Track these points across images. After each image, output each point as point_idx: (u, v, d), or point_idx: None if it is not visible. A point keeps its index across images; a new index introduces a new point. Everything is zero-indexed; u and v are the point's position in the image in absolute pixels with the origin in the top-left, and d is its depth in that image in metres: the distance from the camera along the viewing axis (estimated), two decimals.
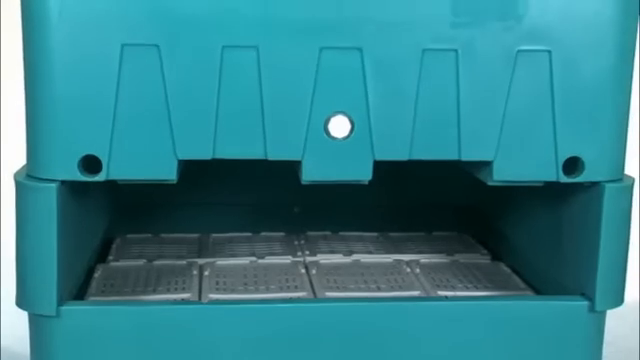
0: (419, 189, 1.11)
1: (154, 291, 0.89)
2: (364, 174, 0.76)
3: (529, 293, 0.92)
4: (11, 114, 1.36)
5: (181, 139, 0.73)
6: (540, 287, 0.92)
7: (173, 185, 0.76)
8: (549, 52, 0.75)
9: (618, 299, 0.81)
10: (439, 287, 0.93)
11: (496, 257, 1.04)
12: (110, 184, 0.76)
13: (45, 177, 0.73)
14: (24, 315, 0.77)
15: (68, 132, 0.72)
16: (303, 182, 0.76)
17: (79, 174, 0.73)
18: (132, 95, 0.72)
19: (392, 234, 1.12)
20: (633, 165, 1.36)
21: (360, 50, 0.73)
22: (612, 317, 0.83)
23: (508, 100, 0.75)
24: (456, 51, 0.74)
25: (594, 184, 0.78)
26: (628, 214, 0.79)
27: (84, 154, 0.73)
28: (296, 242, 1.08)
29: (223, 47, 0.72)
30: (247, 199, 1.12)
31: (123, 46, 0.71)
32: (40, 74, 0.72)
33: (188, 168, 0.78)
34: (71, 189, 0.76)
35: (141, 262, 0.99)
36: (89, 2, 0.71)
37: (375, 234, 1.11)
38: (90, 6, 0.71)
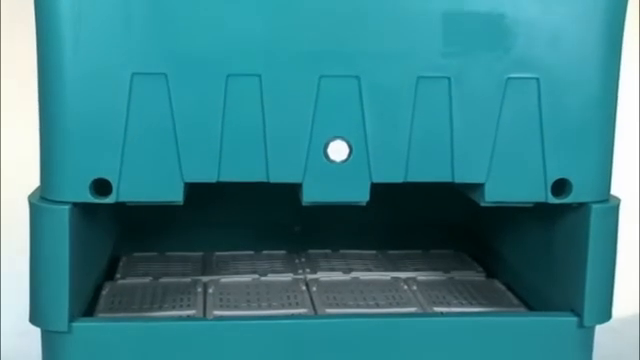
0: (416, 209, 1.14)
1: (160, 308, 0.93)
2: (362, 196, 0.80)
3: (522, 309, 0.95)
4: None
5: (187, 163, 0.77)
6: (533, 303, 0.95)
7: (178, 206, 0.80)
8: (537, 80, 0.78)
9: (606, 315, 0.84)
10: (435, 303, 0.96)
11: (491, 274, 1.07)
12: (117, 205, 0.80)
13: (58, 199, 0.77)
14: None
15: (80, 156, 0.76)
16: (304, 203, 0.80)
17: (90, 196, 0.77)
18: (141, 121, 0.76)
19: (390, 252, 1.15)
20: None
21: (357, 78, 0.77)
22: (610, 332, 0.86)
23: (498, 125, 0.79)
24: (449, 79, 0.78)
25: (581, 205, 0.82)
26: (614, 233, 0.83)
27: (95, 177, 0.76)
28: (297, 260, 1.11)
29: (227, 76, 0.76)
30: (249, 219, 1.15)
31: (133, 75, 0.75)
32: (53, 100, 0.76)
33: (193, 189, 0.82)
34: (82, 210, 0.80)
35: (147, 280, 1.03)
36: (102, 33, 0.74)
37: (374, 252, 1.14)
38: (102, 36, 0.75)
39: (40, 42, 0.76)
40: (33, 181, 0.80)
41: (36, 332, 0.80)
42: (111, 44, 0.75)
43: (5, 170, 1.34)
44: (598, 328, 0.84)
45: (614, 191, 0.84)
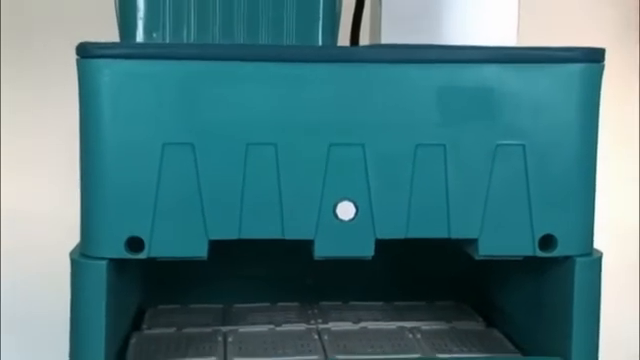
0: (420, 263, 1.21)
1: (184, 356, 0.99)
2: (367, 251, 0.88)
3: (518, 356, 1.02)
4: None
5: (212, 222, 0.86)
6: (529, 351, 1.02)
7: (201, 261, 0.88)
8: (523, 146, 0.87)
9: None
10: (438, 351, 1.03)
11: (491, 324, 1.14)
12: (146, 261, 0.88)
13: (96, 255, 0.86)
14: None
15: (116, 217, 0.85)
16: (315, 258, 0.88)
17: (125, 253, 0.85)
18: (171, 185, 0.85)
19: (396, 303, 1.21)
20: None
21: (363, 146, 0.86)
22: None
23: (489, 186, 0.87)
24: (444, 146, 0.87)
25: (567, 258, 0.90)
26: (598, 284, 0.91)
27: (129, 235, 0.85)
28: (310, 311, 1.17)
29: (247, 144, 0.85)
30: (265, 273, 1.21)
31: (164, 145, 0.85)
32: (93, 167, 0.85)
33: (215, 245, 0.90)
34: (115, 265, 0.88)
35: (172, 330, 1.09)
36: (137, 108, 0.84)
37: (381, 303, 1.20)
38: (137, 111, 0.84)
39: (82, 114, 0.86)
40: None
41: None
42: (145, 118, 0.84)
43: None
44: None
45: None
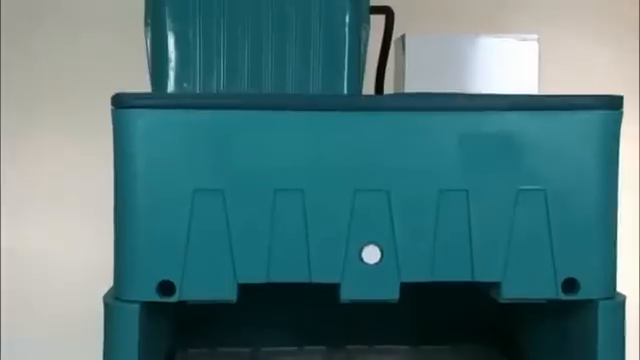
0: (446, 306, 1.23)
1: None
2: (392, 294, 0.90)
3: None
4: None
5: (241, 266, 0.88)
6: None
7: (229, 304, 0.91)
8: (544, 191, 0.89)
9: None
10: None
11: None
12: (176, 305, 0.91)
13: (129, 299, 0.89)
14: None
15: (148, 261, 0.88)
16: (341, 301, 0.90)
17: (157, 296, 0.88)
18: (201, 230, 0.88)
19: (422, 347, 1.23)
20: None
21: (388, 192, 0.89)
22: None
23: (511, 230, 0.89)
24: (467, 191, 0.89)
25: (590, 301, 0.91)
26: (621, 327, 0.92)
27: (161, 279, 0.88)
28: (336, 355, 1.18)
29: (275, 190, 0.88)
30: (292, 317, 1.24)
31: (194, 191, 0.88)
32: (127, 213, 0.89)
33: (243, 289, 0.93)
34: (147, 309, 0.91)
35: None
36: (169, 155, 0.87)
37: (406, 347, 1.22)
38: (169, 159, 0.87)
39: (117, 161, 0.89)
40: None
41: None
42: (176, 165, 0.88)
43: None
44: None
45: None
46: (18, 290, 1.48)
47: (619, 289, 0.93)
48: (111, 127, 0.89)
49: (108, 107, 0.89)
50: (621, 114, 0.91)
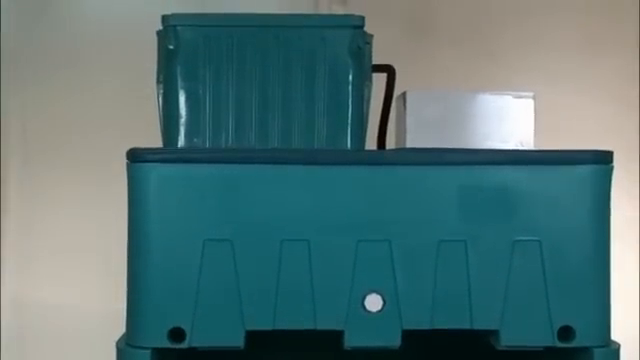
0: (446, 353, 1.26)
1: None
2: (394, 341, 0.93)
3: None
4: None
5: (248, 314, 0.92)
6: None
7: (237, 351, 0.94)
8: (539, 242, 0.93)
9: None
10: None
11: None
12: (185, 351, 0.94)
13: (140, 345, 0.92)
14: None
15: (160, 309, 0.91)
16: (345, 348, 0.94)
17: (168, 343, 0.91)
18: (211, 278, 0.92)
19: None
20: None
21: (389, 242, 0.93)
22: None
23: (508, 280, 0.93)
24: (465, 242, 0.93)
25: (585, 349, 0.94)
26: None
27: (172, 327, 0.91)
28: None
29: (281, 241, 0.92)
30: None
31: (205, 241, 0.92)
32: (140, 262, 0.92)
33: (250, 336, 0.96)
34: (158, 355, 0.94)
35: None
36: (180, 208, 0.92)
37: None
38: (181, 211, 0.92)
39: (131, 212, 0.93)
40: None
41: None
42: (187, 216, 0.92)
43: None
44: None
45: None
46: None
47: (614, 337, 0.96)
48: (125, 180, 0.94)
49: (123, 161, 0.94)
50: (611, 168, 0.95)
